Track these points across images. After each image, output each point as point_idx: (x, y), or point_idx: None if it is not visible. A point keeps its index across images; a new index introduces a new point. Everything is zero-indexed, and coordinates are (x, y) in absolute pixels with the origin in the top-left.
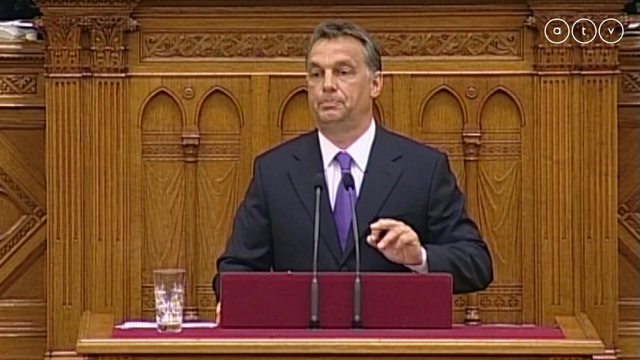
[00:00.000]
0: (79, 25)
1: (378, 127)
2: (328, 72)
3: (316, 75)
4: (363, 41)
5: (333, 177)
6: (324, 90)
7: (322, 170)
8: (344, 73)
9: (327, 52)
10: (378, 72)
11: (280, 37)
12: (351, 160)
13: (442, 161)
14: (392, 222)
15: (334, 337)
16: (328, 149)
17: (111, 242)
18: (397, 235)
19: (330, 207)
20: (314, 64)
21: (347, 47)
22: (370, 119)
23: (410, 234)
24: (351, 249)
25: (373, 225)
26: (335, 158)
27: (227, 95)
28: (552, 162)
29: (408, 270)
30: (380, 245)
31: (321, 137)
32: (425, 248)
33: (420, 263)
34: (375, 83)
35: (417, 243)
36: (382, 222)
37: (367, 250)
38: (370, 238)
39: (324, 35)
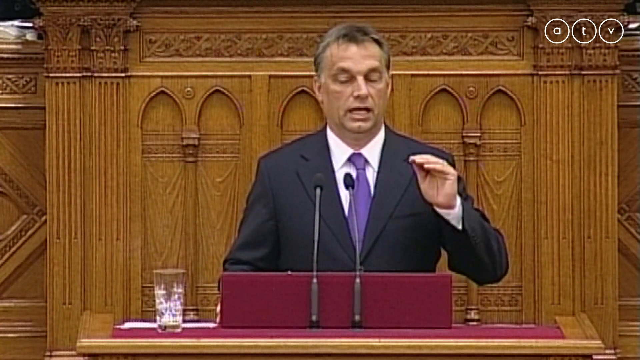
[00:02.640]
0: (79, 25)
1: (387, 128)
2: (360, 78)
3: (345, 81)
4: (381, 44)
5: None
6: (357, 97)
7: (333, 171)
8: (373, 80)
9: (357, 57)
10: (390, 73)
11: (280, 37)
12: (365, 161)
13: (450, 162)
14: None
15: (334, 337)
16: (340, 149)
17: (111, 242)
18: (437, 163)
19: (343, 208)
20: (344, 70)
21: (374, 52)
22: (382, 120)
23: (450, 168)
24: (367, 249)
25: (413, 158)
26: (349, 159)
27: (227, 95)
28: (552, 162)
29: (410, 270)
30: (417, 161)
31: (332, 137)
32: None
33: (452, 207)
34: (387, 85)
35: (454, 179)
36: (425, 156)
37: (383, 251)
38: (411, 158)
39: (351, 39)
